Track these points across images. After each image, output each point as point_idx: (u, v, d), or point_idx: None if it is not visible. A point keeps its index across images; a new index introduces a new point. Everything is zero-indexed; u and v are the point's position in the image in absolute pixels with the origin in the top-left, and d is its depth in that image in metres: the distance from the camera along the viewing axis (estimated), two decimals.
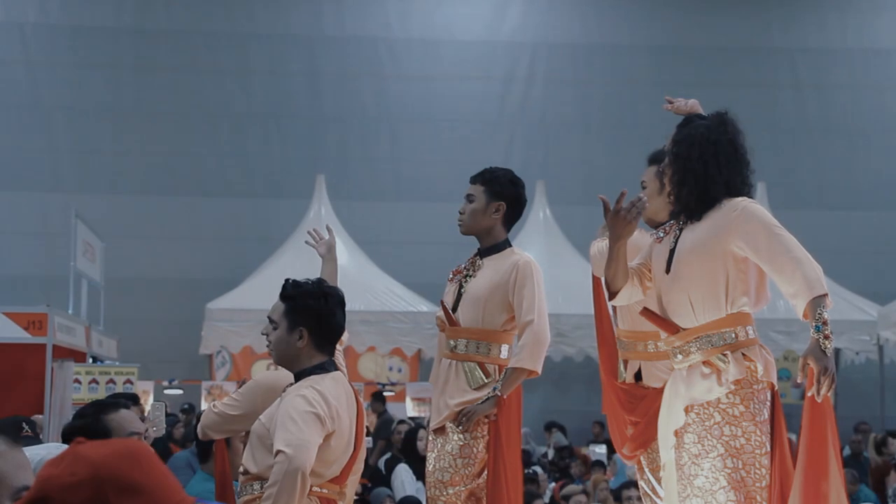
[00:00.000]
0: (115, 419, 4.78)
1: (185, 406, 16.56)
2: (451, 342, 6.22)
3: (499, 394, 5.99)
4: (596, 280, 6.30)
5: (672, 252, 5.25)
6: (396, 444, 13.13)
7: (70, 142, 21.41)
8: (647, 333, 5.86)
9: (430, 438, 6.22)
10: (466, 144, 21.66)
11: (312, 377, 5.07)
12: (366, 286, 17.02)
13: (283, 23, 22.05)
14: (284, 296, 5.19)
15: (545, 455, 17.24)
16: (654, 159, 6.16)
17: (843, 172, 22.12)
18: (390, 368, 18.73)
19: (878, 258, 21.48)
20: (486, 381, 6.10)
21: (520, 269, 6.17)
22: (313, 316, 5.15)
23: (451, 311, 6.25)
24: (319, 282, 5.31)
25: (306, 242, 6.60)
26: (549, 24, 22.49)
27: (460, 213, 6.36)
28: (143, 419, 6.21)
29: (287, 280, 5.28)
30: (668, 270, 5.22)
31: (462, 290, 6.29)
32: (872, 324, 17.05)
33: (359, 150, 21.90)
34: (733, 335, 5.06)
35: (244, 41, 21.91)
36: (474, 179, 6.39)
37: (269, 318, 5.31)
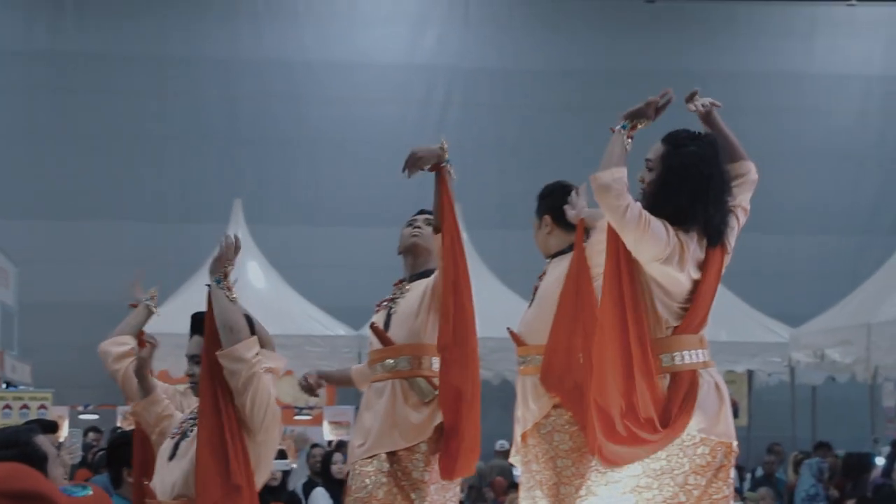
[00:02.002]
0: (45, 443, 4.77)
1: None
2: (390, 361, 6.24)
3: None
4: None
5: None
6: (313, 468, 13.11)
7: None
8: None
9: (382, 458, 6.13)
10: (383, 168, 21.66)
11: None
12: (283, 310, 16.96)
13: (199, 45, 21.97)
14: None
15: None
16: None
17: (755, 196, 22.33)
18: None
19: (789, 281, 21.76)
20: (435, 392, 6.13)
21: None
22: None
23: (384, 332, 6.29)
24: None
25: None
26: (465, 49, 22.61)
27: (418, 227, 6.49)
28: (58, 447, 6.17)
29: (195, 315, 5.28)
30: None
31: (392, 312, 6.34)
32: (784, 346, 17.26)
33: (276, 174, 21.85)
34: None
35: (160, 64, 21.78)
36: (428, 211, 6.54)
37: (189, 356, 5.33)
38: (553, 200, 6.53)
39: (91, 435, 16.49)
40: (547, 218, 6.55)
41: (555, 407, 6.13)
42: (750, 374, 18.88)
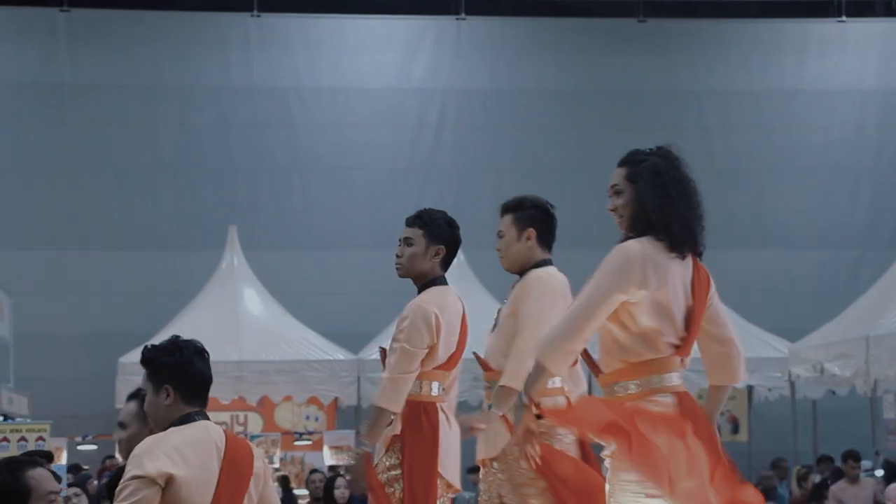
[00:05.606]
0: (35, 477, 4.77)
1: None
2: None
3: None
4: None
5: None
6: (314, 493, 13.08)
7: None
8: None
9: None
10: (378, 192, 21.67)
11: (170, 429, 5.06)
12: (281, 336, 16.93)
13: (191, 74, 21.97)
14: (143, 361, 5.21)
15: None
16: (509, 209, 6.24)
17: (751, 212, 22.38)
18: (307, 417, 18.62)
19: (788, 296, 21.72)
20: None
21: None
22: (172, 371, 5.13)
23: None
24: (174, 337, 5.32)
25: None
26: (457, 71, 22.61)
27: (398, 257, 6.38)
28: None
29: (145, 346, 5.31)
30: None
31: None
32: (784, 360, 17.23)
33: (271, 200, 21.82)
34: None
35: (152, 93, 21.77)
36: (411, 222, 6.42)
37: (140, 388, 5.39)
38: (540, 217, 6.39)
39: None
40: (531, 231, 6.34)
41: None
42: (750, 389, 18.82)
